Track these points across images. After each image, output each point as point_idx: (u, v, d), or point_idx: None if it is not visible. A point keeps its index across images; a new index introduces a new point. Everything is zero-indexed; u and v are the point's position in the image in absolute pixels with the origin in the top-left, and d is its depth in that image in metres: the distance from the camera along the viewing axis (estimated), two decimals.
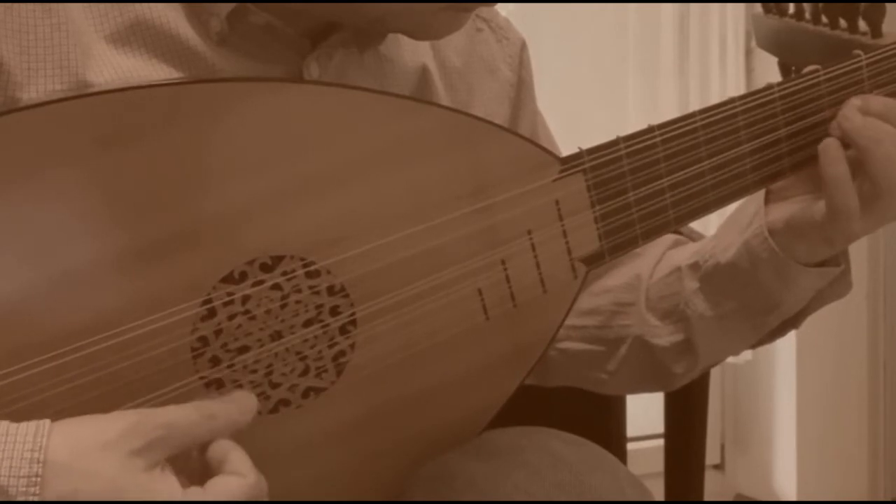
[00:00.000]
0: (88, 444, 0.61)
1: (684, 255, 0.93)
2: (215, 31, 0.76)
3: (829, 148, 0.82)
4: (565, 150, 0.81)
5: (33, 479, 0.59)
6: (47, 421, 0.61)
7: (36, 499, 0.59)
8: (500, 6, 0.99)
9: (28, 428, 0.60)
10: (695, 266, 0.91)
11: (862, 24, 0.86)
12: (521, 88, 0.96)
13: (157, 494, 0.62)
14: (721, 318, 0.90)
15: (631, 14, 2.10)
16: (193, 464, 0.67)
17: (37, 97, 0.71)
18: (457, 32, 0.89)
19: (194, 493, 0.64)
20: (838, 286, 0.89)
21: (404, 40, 0.86)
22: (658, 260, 0.95)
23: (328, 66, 0.80)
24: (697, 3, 2.10)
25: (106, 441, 0.62)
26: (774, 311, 0.89)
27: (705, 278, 0.90)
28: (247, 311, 0.72)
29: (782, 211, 0.85)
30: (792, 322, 0.91)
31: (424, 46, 0.89)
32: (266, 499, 0.68)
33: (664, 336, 0.93)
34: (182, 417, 0.65)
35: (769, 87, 0.83)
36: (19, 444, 0.60)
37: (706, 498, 1.26)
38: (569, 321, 0.91)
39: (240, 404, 0.69)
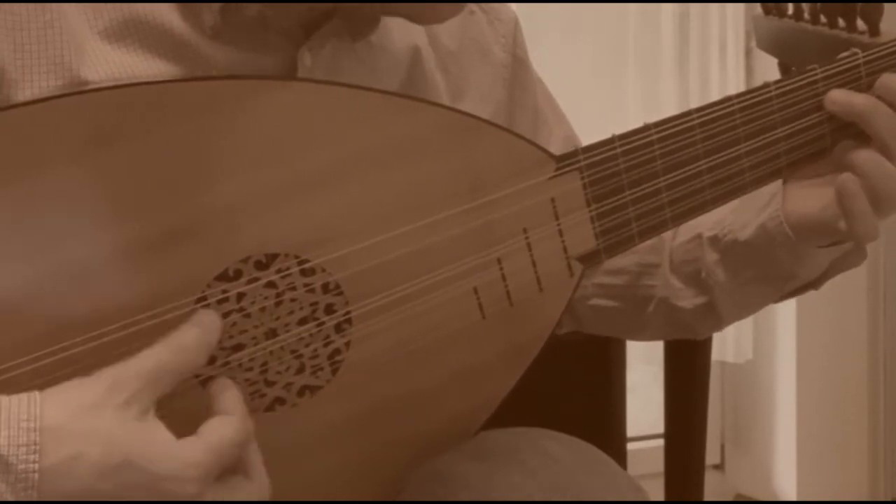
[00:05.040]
0: (80, 406, 0.62)
1: (704, 219, 0.94)
2: (209, 24, 0.76)
3: (847, 183, 0.82)
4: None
5: (32, 446, 0.60)
6: (37, 392, 0.62)
7: (35, 466, 0.60)
8: None
9: (20, 399, 0.61)
10: (714, 239, 0.93)
11: (860, 24, 0.86)
12: (517, 68, 0.96)
13: (154, 442, 0.64)
14: (742, 285, 0.93)
15: (631, 14, 2.10)
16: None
17: (31, 95, 0.71)
18: None
19: (190, 441, 0.65)
20: (853, 256, 0.91)
21: (397, 28, 0.86)
22: None
23: (321, 55, 0.80)
24: (697, 3, 2.10)
25: (94, 400, 0.63)
26: (792, 279, 0.91)
27: (725, 251, 0.92)
28: (241, 309, 0.72)
29: (799, 203, 0.86)
30: (812, 285, 0.94)
31: (418, 32, 0.89)
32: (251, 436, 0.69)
33: (688, 298, 0.96)
34: (155, 359, 0.66)
35: (766, 85, 0.83)
36: (14, 414, 0.61)
37: (706, 498, 1.26)
38: (596, 279, 0.97)
39: (204, 325, 0.69)
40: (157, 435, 0.64)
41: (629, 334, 1.08)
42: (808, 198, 0.86)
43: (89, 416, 0.62)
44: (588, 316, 1.00)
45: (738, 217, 0.91)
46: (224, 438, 0.66)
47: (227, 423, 0.67)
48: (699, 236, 0.94)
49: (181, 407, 0.68)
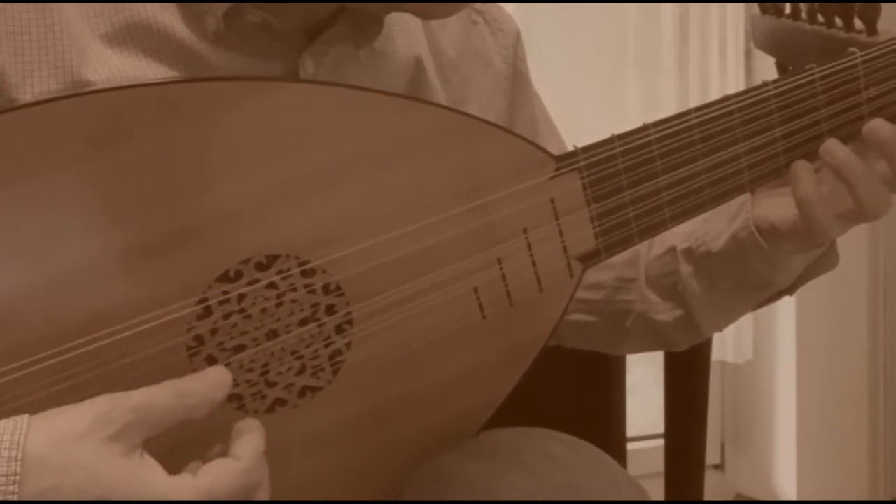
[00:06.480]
0: (64, 436, 0.60)
1: (677, 231, 0.94)
2: (211, 29, 0.76)
3: (799, 170, 0.83)
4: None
5: (12, 477, 0.59)
6: (26, 416, 0.61)
7: (15, 497, 0.59)
8: (500, 6, 0.99)
9: (6, 426, 0.60)
10: (688, 251, 0.93)
11: (857, 23, 0.86)
12: (517, 80, 0.96)
13: (138, 479, 0.61)
14: (718, 295, 0.93)
15: (631, 14, 2.10)
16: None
17: (32, 98, 0.71)
18: (453, 25, 0.90)
19: (182, 482, 0.63)
20: (826, 260, 0.91)
21: (399, 37, 0.86)
22: None
23: (323, 62, 0.81)
24: (697, 3, 2.10)
25: (80, 431, 0.61)
26: (767, 287, 0.92)
27: (699, 263, 0.92)
28: (242, 310, 0.72)
29: (766, 209, 0.87)
30: (787, 291, 0.94)
31: (420, 40, 0.89)
32: (264, 487, 0.67)
33: (666, 312, 0.96)
34: (155, 398, 0.64)
35: (764, 84, 0.83)
36: None
37: (706, 498, 1.26)
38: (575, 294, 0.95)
39: (213, 380, 0.66)
40: (143, 473, 0.62)
41: (609, 348, 1.06)
42: (778, 205, 0.86)
43: (72, 448, 0.60)
44: (567, 331, 0.99)
45: (710, 228, 0.91)
46: (220, 484, 0.63)
47: (228, 469, 0.64)
48: (673, 249, 0.94)
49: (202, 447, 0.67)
